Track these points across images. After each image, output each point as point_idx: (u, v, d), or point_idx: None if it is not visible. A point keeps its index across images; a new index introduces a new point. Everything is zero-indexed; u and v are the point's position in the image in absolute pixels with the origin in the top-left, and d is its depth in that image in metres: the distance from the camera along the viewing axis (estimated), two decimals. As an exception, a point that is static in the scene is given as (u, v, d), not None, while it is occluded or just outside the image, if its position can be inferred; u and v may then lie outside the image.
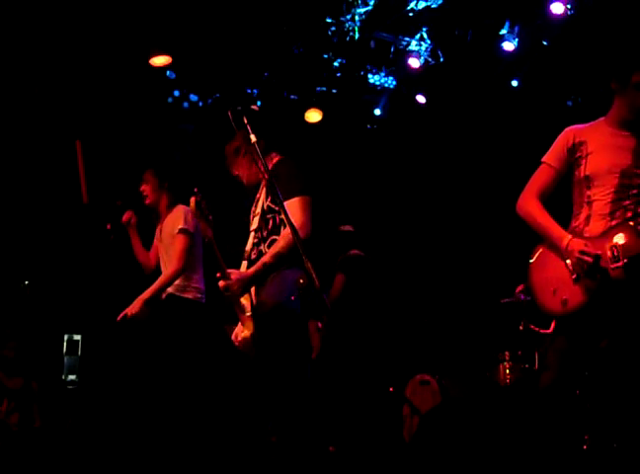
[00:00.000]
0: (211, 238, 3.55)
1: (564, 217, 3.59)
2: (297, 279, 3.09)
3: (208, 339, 4.78)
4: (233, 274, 3.54)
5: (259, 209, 3.81)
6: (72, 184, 5.75)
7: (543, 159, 3.61)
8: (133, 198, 5.23)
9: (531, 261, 3.59)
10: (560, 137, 3.59)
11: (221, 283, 3.51)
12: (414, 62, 7.08)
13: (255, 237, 3.77)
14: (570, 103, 7.12)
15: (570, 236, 3.40)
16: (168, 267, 4.95)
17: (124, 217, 5.16)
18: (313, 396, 3.64)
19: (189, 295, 4.98)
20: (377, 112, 7.77)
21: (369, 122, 8.06)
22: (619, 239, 3.32)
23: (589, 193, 3.47)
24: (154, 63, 6.65)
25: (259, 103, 7.25)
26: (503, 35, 6.76)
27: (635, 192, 3.42)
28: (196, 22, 6.49)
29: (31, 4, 5.94)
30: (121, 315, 4.78)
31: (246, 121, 3.42)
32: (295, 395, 3.49)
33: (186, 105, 7.33)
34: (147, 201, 5.16)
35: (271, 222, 3.73)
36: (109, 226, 5.13)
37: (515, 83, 7.22)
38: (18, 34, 6.14)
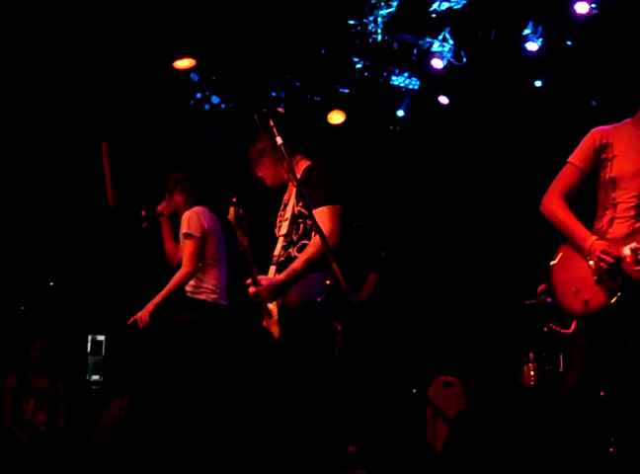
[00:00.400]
0: (247, 247, 3.57)
1: (588, 218, 3.58)
2: (324, 281, 3.10)
3: (226, 339, 4.78)
4: (263, 280, 3.57)
5: (288, 214, 3.81)
6: (98, 186, 5.82)
7: (569, 159, 3.59)
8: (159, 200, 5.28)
9: (554, 261, 3.58)
10: (586, 138, 3.58)
11: (251, 290, 3.53)
12: (437, 63, 7.06)
13: (284, 241, 3.78)
14: (595, 103, 7.07)
15: (594, 237, 3.39)
16: (180, 269, 4.99)
17: (159, 207, 5.24)
18: (335, 396, 3.65)
19: (201, 296, 5.01)
20: (400, 113, 7.76)
21: (392, 124, 8.05)
22: None
23: (613, 195, 3.45)
24: (178, 66, 6.69)
25: (282, 105, 7.26)
26: (526, 35, 6.72)
27: None
28: (219, 24, 6.51)
29: (58, 7, 5.99)
30: (132, 319, 4.83)
31: (272, 124, 3.44)
32: (318, 395, 3.50)
33: (207, 107, 7.34)
34: (169, 208, 5.24)
35: (301, 227, 3.74)
36: (143, 213, 5.16)
37: (538, 83, 7.18)
38: (44, 37, 6.19)
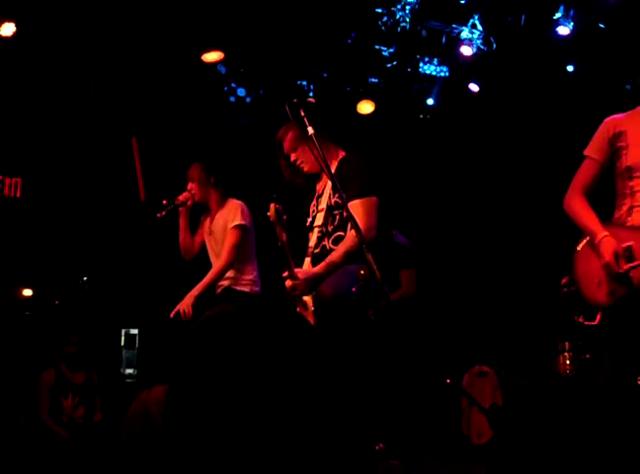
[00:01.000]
0: (285, 242, 3.54)
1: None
2: (358, 271, 3.08)
3: (266, 330, 4.76)
4: (300, 273, 3.54)
5: (323, 205, 3.78)
6: (130, 181, 5.84)
7: (585, 152, 3.57)
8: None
9: (577, 250, 3.55)
10: (600, 128, 3.55)
11: (288, 283, 3.51)
12: (466, 50, 6.99)
13: (319, 232, 3.75)
14: (629, 86, 6.94)
15: (605, 232, 3.35)
16: (218, 260, 4.94)
17: (181, 197, 5.09)
18: (371, 387, 3.64)
19: (245, 288, 4.99)
20: (430, 101, 7.69)
21: (422, 113, 7.98)
22: None
23: (630, 184, 3.40)
24: (206, 59, 6.68)
25: (311, 94, 7.24)
26: (557, 19, 6.63)
27: None
28: (246, 16, 6.50)
29: (89, 2, 6.02)
30: (174, 312, 4.77)
31: (303, 114, 3.43)
32: (354, 386, 3.49)
33: (232, 99, 7.32)
34: (196, 199, 5.11)
35: (338, 218, 3.71)
36: (165, 202, 5.09)
37: (570, 68, 7.07)
38: (74, 32, 6.23)
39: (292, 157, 3.91)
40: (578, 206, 3.53)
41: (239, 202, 5.04)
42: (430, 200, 8.09)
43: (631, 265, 3.23)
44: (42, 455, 5.66)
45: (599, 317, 3.42)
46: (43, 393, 5.96)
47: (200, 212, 5.27)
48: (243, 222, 4.92)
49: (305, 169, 3.90)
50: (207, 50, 6.62)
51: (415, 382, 6.13)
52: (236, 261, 4.95)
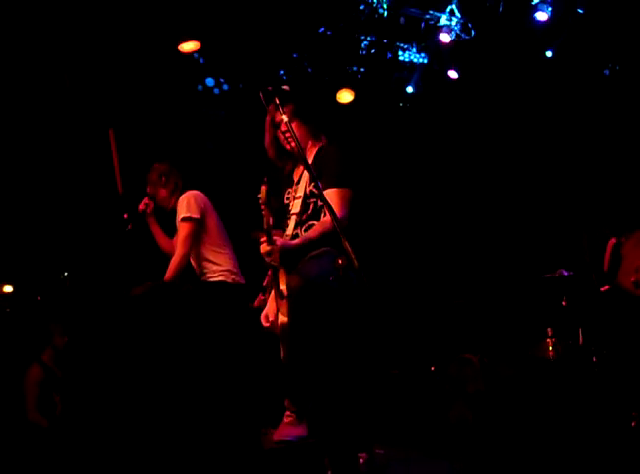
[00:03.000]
0: (270, 226, 3.58)
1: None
2: (335, 260, 3.05)
3: (239, 318, 4.68)
4: (278, 240, 3.57)
5: (300, 193, 3.81)
6: (107, 174, 5.77)
7: None
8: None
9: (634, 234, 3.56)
10: None
11: (265, 247, 3.51)
12: (445, 37, 6.95)
13: (296, 219, 3.78)
14: (608, 72, 6.94)
15: None
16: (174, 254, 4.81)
17: (141, 206, 5.03)
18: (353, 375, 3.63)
19: (220, 278, 4.81)
20: (409, 89, 7.65)
21: (402, 101, 7.95)
22: None
23: None
24: (183, 50, 6.61)
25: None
26: (536, 4, 6.61)
27: None
28: (223, 5, 6.44)
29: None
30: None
31: (277, 102, 3.40)
32: (334, 373, 3.49)
33: (200, 88, 7.22)
34: (157, 201, 5.05)
35: (311, 207, 3.76)
36: (126, 216, 5.01)
37: (549, 54, 7.05)
38: (48, 26, 6.15)
39: (284, 127, 3.82)
40: None
41: (187, 194, 4.89)
42: (411, 189, 8.08)
43: None
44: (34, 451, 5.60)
45: (606, 288, 3.42)
46: (30, 388, 5.87)
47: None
48: (188, 214, 4.76)
49: (292, 144, 3.83)
50: (184, 40, 6.55)
51: (398, 370, 6.13)
52: (197, 253, 4.84)
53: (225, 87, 7.29)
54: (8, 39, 6.17)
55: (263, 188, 3.53)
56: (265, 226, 3.56)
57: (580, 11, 6.65)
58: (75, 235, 6.91)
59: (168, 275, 4.76)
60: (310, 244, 3.61)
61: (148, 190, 5.08)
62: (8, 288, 7.06)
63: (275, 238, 3.57)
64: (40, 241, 6.87)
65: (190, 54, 6.76)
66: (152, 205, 5.07)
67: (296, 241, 3.66)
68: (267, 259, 3.56)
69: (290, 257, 3.62)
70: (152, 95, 6.96)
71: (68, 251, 6.93)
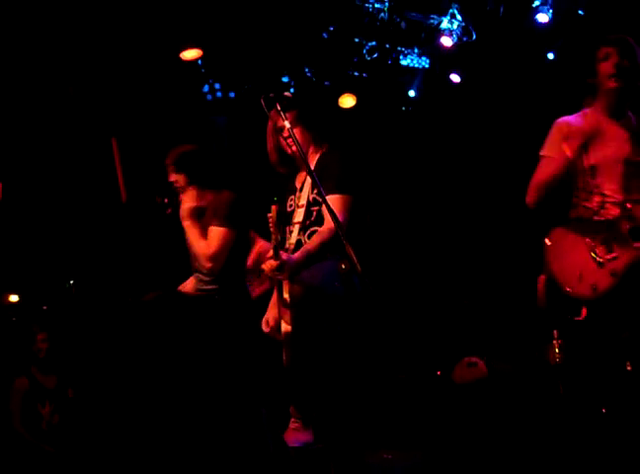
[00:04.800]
0: (278, 243, 3.61)
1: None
2: (339, 265, 3.06)
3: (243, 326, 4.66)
4: (284, 255, 3.58)
5: (303, 201, 3.81)
6: (110, 182, 5.78)
7: None
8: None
9: (547, 245, 3.50)
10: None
11: (271, 263, 3.50)
12: (446, 41, 6.96)
13: (299, 228, 3.79)
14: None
15: None
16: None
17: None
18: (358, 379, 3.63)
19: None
20: (412, 93, 7.66)
21: (404, 105, 7.95)
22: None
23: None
24: (185, 57, 6.63)
25: (291, 90, 7.19)
26: (536, 6, 6.61)
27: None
28: (224, 13, 6.46)
29: (64, 3, 5.97)
30: None
31: (279, 108, 3.41)
32: (339, 379, 3.49)
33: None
34: None
35: (314, 214, 3.75)
36: (166, 200, 4.94)
37: (551, 56, 7.05)
38: (51, 33, 6.18)
39: (286, 133, 3.80)
40: None
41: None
42: (415, 193, 8.07)
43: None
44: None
45: (584, 312, 3.38)
46: (15, 399, 5.78)
47: None
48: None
49: (293, 149, 3.83)
50: (186, 48, 6.57)
51: (404, 374, 6.12)
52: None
53: (229, 94, 7.31)
54: (13, 48, 6.20)
55: (274, 208, 3.58)
56: (274, 243, 3.58)
57: (580, 13, 6.65)
58: (80, 244, 6.92)
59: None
60: (311, 257, 3.59)
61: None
62: (14, 298, 7.07)
63: (281, 253, 3.58)
64: (44, 250, 6.89)
65: (194, 61, 6.78)
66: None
67: (297, 256, 3.62)
68: (273, 275, 3.55)
69: (295, 271, 3.62)
70: (155, 103, 6.98)
71: (73, 260, 6.95)
